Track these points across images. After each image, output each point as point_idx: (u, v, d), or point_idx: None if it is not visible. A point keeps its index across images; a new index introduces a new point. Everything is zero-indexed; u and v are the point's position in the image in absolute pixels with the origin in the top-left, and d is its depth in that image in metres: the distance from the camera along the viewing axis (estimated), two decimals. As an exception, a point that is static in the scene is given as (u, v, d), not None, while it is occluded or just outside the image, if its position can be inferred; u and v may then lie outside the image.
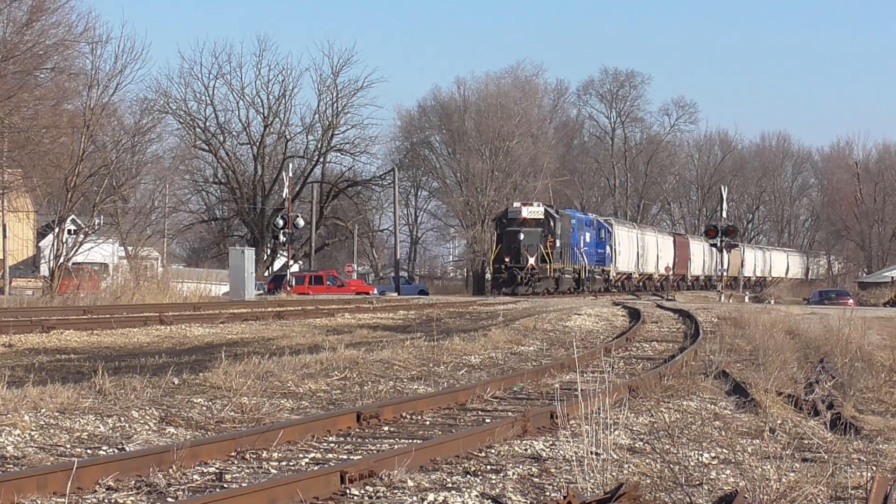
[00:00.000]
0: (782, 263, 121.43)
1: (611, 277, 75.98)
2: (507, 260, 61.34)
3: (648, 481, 9.67)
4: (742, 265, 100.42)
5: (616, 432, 11.64)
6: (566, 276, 65.39)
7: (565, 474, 9.89)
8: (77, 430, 11.32)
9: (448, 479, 9.63)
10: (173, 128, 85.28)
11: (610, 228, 75.74)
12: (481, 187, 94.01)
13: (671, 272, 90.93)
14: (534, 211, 62.90)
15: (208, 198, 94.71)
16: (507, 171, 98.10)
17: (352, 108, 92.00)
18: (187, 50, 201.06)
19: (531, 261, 61.00)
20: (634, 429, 12.52)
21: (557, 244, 62.98)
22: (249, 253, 51.29)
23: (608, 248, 74.66)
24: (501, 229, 63.58)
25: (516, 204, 65.92)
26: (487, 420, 12.98)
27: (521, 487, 9.44)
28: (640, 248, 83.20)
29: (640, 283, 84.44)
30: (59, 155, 48.51)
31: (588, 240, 70.65)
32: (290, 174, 72.03)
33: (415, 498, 8.91)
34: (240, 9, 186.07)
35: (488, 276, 74.48)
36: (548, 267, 61.64)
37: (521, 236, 61.60)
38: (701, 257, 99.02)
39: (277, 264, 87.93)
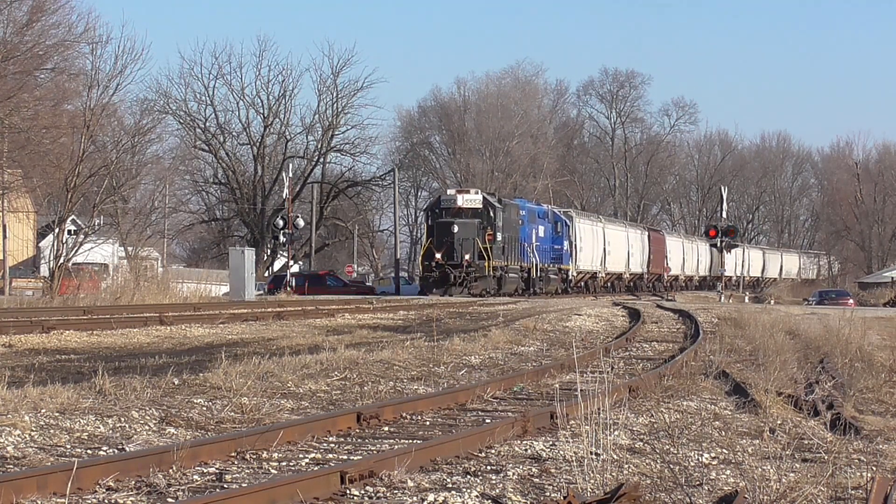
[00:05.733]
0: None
1: (570, 277, 68.12)
2: (438, 256, 53.74)
3: (648, 482, 9.68)
4: (742, 266, 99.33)
5: (616, 433, 11.65)
6: (511, 274, 57.25)
7: (565, 474, 9.89)
8: (77, 431, 11.32)
9: (448, 480, 9.63)
10: (173, 128, 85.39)
11: (569, 221, 67.49)
12: (481, 188, 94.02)
13: (646, 271, 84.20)
14: (471, 199, 55.00)
15: (208, 198, 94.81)
16: (507, 171, 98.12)
17: (352, 108, 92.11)
18: (187, 50, 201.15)
19: (466, 257, 53.46)
20: (634, 429, 12.52)
21: (499, 238, 55.11)
22: (249, 253, 51.28)
23: (566, 243, 66.55)
24: (433, 220, 55.41)
25: (450, 191, 57.74)
26: (487, 420, 12.98)
27: (522, 488, 9.44)
28: (606, 244, 74.99)
29: (608, 284, 76.79)
30: (59, 155, 48.57)
31: (542, 234, 62.89)
32: (290, 174, 72.03)
33: (415, 498, 8.91)
34: (240, 9, 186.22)
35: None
36: (486, 264, 53.99)
37: (455, 229, 53.67)
38: (680, 255, 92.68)
39: (277, 265, 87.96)
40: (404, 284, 76.82)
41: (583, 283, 71.94)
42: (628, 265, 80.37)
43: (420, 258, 57.21)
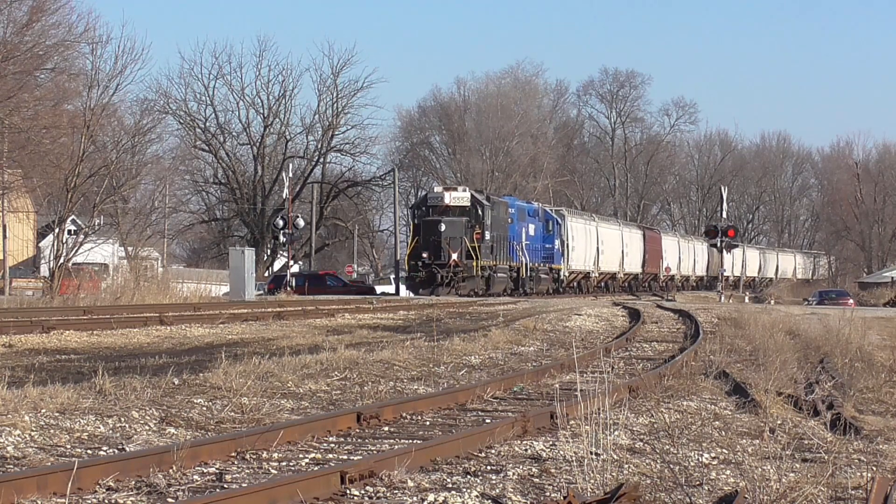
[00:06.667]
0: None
1: (562, 277, 66.62)
2: (424, 256, 52.33)
3: (648, 482, 9.68)
4: (742, 266, 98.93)
5: (616, 432, 11.65)
6: (499, 274, 55.75)
7: (565, 474, 9.89)
8: (77, 431, 11.32)
9: (448, 480, 9.63)
10: (173, 128, 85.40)
11: (560, 220, 65.98)
12: (481, 188, 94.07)
13: (642, 271, 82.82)
14: (458, 197, 53.54)
15: (208, 198, 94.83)
16: (507, 171, 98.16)
17: (352, 108, 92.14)
18: (187, 50, 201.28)
19: (454, 256, 52.06)
20: (634, 429, 12.52)
21: (487, 237, 53.74)
22: (249, 253, 51.24)
23: (558, 242, 65.06)
24: (419, 219, 54.04)
25: (437, 188, 56.44)
26: (487, 420, 12.98)
27: (522, 488, 9.44)
28: (599, 244, 73.49)
29: (601, 284, 75.39)
30: (60, 155, 48.57)
31: (532, 233, 61.29)
32: (290, 174, 72.01)
33: (415, 498, 8.92)
34: (240, 9, 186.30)
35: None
36: (474, 264, 52.65)
37: (442, 227, 52.31)
38: (676, 255, 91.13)
39: (277, 265, 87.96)
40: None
41: (575, 283, 70.54)
42: (623, 265, 78.91)
43: (406, 257, 55.48)
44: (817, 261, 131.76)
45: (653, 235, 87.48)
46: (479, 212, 53.79)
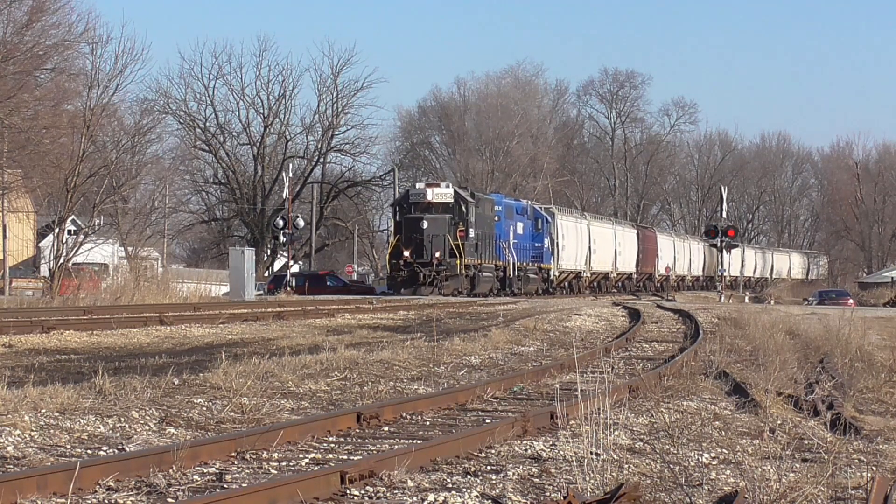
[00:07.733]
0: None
1: (552, 277, 65.06)
2: (406, 254, 51.17)
3: (648, 482, 9.68)
4: (741, 265, 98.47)
5: (616, 433, 11.64)
6: (485, 273, 54.25)
7: (565, 474, 9.89)
8: (77, 431, 11.32)
9: (448, 480, 9.63)
10: (173, 128, 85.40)
11: (550, 218, 64.30)
12: (481, 188, 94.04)
13: (636, 270, 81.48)
14: (441, 193, 52.16)
15: (208, 198, 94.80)
16: (507, 171, 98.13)
17: (352, 108, 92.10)
18: (187, 50, 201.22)
19: (436, 255, 50.89)
20: (634, 429, 12.52)
21: (471, 234, 52.35)
22: (249, 253, 51.22)
23: (547, 241, 63.42)
24: (401, 216, 52.61)
25: (419, 185, 54.67)
26: (487, 420, 12.98)
27: (522, 488, 9.45)
28: (591, 243, 71.77)
29: (594, 284, 73.70)
30: (59, 155, 48.61)
31: (521, 231, 59.83)
32: (290, 174, 72.01)
33: (415, 498, 8.92)
34: (240, 9, 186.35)
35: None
36: (458, 263, 51.21)
37: (425, 224, 51.13)
38: (672, 254, 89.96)
39: (277, 265, 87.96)
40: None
41: (566, 284, 69.30)
42: (616, 264, 77.60)
43: (387, 256, 54.08)
44: (817, 261, 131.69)
45: (648, 234, 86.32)
46: (464, 209, 52.53)
